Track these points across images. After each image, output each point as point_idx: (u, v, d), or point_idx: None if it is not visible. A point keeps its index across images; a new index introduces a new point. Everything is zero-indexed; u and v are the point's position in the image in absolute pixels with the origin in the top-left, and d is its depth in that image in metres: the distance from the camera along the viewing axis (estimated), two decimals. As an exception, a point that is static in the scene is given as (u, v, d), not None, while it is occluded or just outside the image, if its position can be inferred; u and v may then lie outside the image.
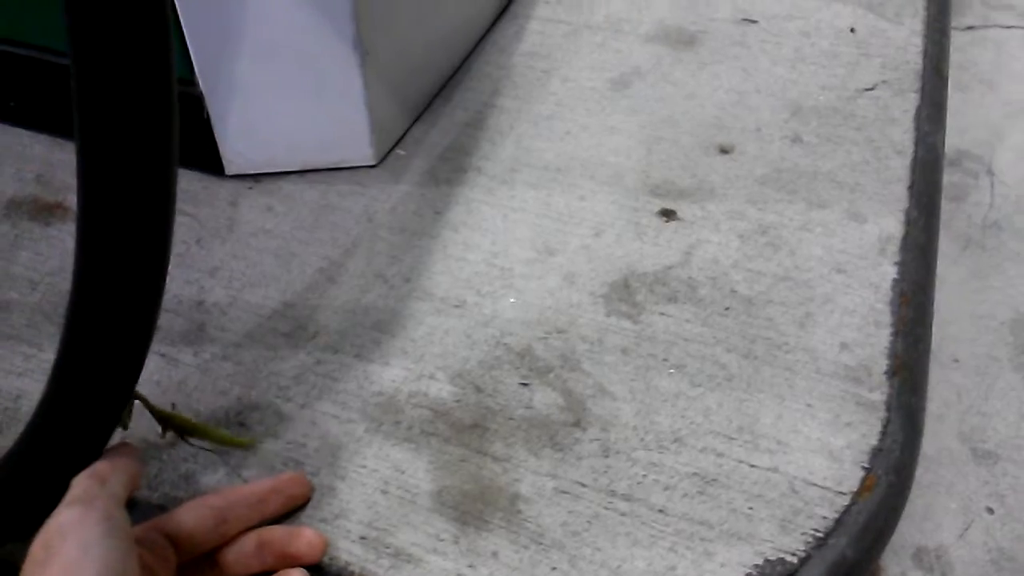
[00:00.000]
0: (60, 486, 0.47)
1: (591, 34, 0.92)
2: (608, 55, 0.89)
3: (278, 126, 0.74)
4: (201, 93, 0.71)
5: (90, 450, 0.48)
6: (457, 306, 0.65)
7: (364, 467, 0.56)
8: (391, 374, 0.61)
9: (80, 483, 0.45)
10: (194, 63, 0.69)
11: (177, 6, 0.65)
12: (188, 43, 0.68)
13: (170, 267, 0.70)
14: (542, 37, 0.92)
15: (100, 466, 0.46)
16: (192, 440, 0.57)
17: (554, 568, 0.51)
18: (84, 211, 0.40)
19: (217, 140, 0.74)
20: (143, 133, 0.38)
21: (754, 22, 0.93)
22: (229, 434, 0.58)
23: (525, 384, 0.60)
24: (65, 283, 0.69)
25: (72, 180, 0.77)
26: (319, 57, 0.69)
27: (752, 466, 0.55)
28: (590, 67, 0.88)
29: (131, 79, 0.36)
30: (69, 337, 0.43)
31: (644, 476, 0.55)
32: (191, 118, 0.73)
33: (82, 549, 0.40)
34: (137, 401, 0.52)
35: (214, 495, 0.51)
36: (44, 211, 0.75)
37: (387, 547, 0.52)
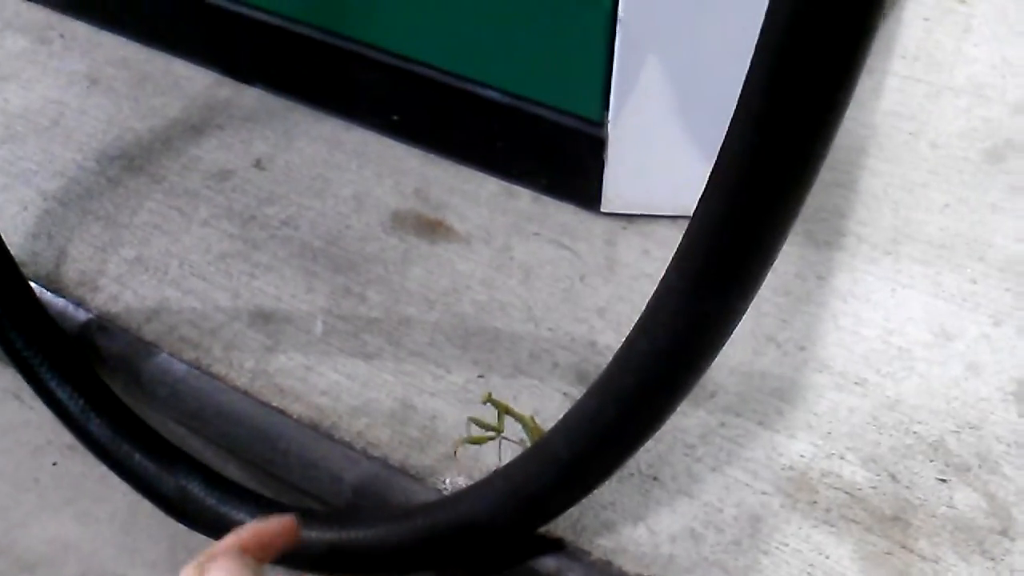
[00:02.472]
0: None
1: (953, 97, 0.89)
2: (975, 123, 0.86)
3: (664, 174, 0.74)
4: (605, 137, 0.72)
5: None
6: (858, 384, 0.64)
7: (786, 545, 0.56)
8: (798, 448, 0.61)
9: None
10: (610, 113, 0.70)
11: (615, 65, 0.67)
12: (612, 98, 0.69)
13: (558, 302, 0.73)
14: (902, 96, 0.89)
15: None
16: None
17: None
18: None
19: (604, 180, 0.75)
20: None
21: None
22: None
23: (943, 480, 0.59)
24: (458, 304, 0.72)
25: (450, 199, 0.81)
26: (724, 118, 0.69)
27: None
28: (958, 134, 0.85)
29: None
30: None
31: (1088, 603, 0.53)
32: (585, 158, 0.74)
33: None
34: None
35: None
36: (427, 228, 0.78)
37: (823, 635, 0.52)
